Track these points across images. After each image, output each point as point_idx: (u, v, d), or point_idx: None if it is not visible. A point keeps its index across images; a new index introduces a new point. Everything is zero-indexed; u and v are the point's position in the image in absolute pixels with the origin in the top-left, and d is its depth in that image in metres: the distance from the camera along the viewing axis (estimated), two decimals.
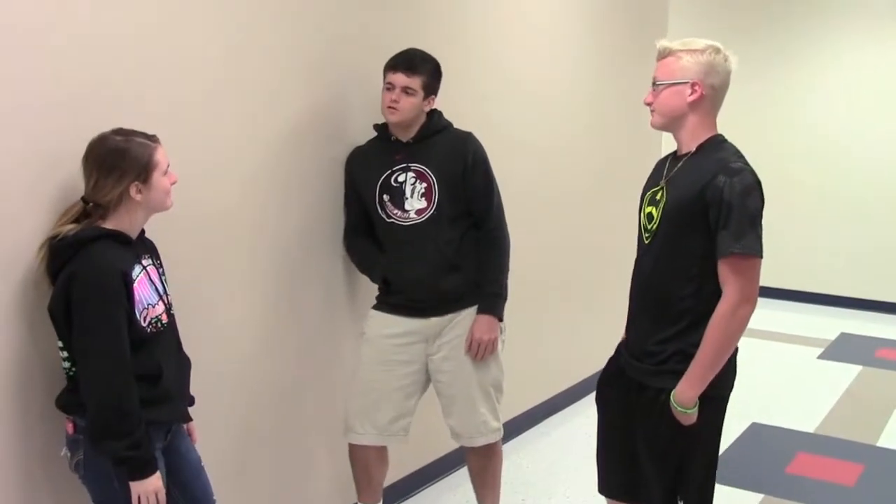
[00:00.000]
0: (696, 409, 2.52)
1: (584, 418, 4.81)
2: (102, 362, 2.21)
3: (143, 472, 2.26)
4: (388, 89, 3.17)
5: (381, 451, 3.40)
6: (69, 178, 2.36)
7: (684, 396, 2.51)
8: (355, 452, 3.37)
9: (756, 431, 4.99)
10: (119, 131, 2.31)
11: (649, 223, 2.64)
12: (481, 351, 3.27)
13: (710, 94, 2.57)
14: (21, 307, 2.31)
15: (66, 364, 2.30)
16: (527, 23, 4.51)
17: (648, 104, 2.65)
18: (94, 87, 2.46)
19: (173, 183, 2.39)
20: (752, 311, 2.50)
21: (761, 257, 2.47)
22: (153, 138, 2.35)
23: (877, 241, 7.94)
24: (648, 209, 2.65)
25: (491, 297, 3.29)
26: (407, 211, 3.22)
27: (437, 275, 3.23)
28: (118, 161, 2.26)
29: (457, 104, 3.45)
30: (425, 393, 3.42)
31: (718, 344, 2.49)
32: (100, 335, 2.21)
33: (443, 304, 3.27)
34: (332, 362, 3.48)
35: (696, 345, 2.51)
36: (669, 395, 2.54)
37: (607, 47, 5.29)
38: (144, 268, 2.36)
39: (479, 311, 3.28)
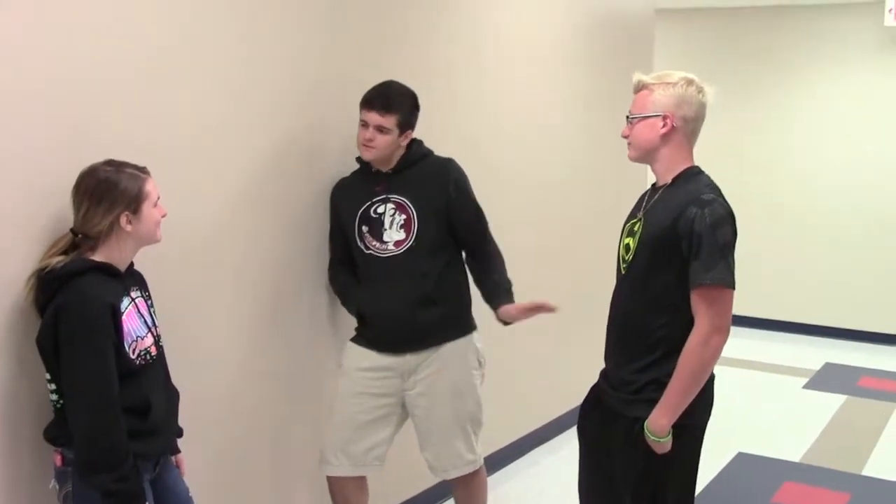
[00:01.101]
0: (670, 437, 2.53)
1: (570, 449, 4.77)
2: (90, 395, 2.22)
3: None
4: (363, 126, 3.17)
5: (360, 481, 3.38)
6: (60, 209, 2.38)
7: (657, 425, 2.53)
8: (333, 484, 3.36)
9: (742, 461, 5.00)
10: (109, 162, 2.34)
11: (626, 254, 2.67)
12: (532, 307, 3.26)
13: (682, 125, 2.61)
14: (10, 339, 2.32)
15: (54, 397, 2.30)
16: (513, 59, 4.57)
17: (625, 137, 2.70)
18: (84, 123, 2.49)
19: (163, 216, 2.41)
20: (724, 340, 2.52)
21: (733, 288, 2.50)
22: (143, 170, 2.37)
23: (860, 271, 7.99)
24: (626, 240, 2.69)
25: (502, 296, 3.33)
26: (385, 242, 3.23)
27: (413, 309, 3.22)
28: (108, 192, 2.28)
29: (441, 139, 3.47)
30: (406, 425, 3.42)
31: (691, 374, 2.51)
32: (87, 368, 2.21)
33: (418, 339, 3.27)
34: (316, 394, 3.48)
35: (671, 374, 2.53)
36: (644, 424, 2.56)
37: (593, 80, 5.35)
38: (133, 300, 2.37)
39: (503, 303, 3.30)
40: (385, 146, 3.17)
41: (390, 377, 3.29)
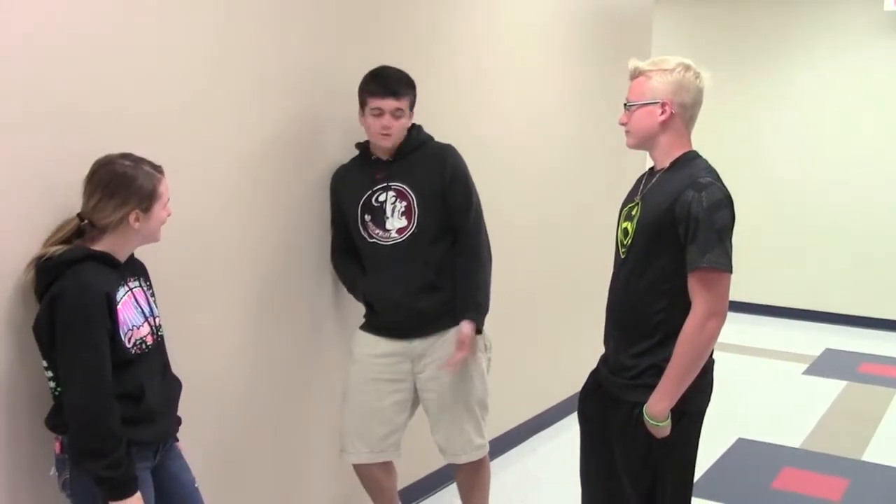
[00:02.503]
0: (669, 422, 2.54)
1: (571, 434, 4.78)
2: (82, 383, 2.22)
3: (123, 493, 2.26)
4: (377, 115, 3.15)
5: (387, 464, 3.43)
6: (63, 200, 2.38)
7: (656, 409, 2.53)
8: (361, 471, 3.42)
9: (742, 446, 5.01)
10: (127, 156, 2.33)
11: (625, 238, 2.67)
12: (466, 347, 3.20)
13: (681, 112, 2.60)
14: (9, 327, 2.33)
15: (52, 384, 2.31)
16: (508, 47, 4.56)
17: (623, 125, 2.69)
18: (82, 118, 2.49)
19: (168, 216, 2.41)
20: (720, 324, 2.51)
21: (730, 271, 2.50)
22: (159, 169, 2.37)
23: (860, 256, 8.00)
24: (624, 224, 2.69)
25: (467, 310, 3.25)
26: (388, 230, 3.23)
27: (417, 296, 3.23)
28: (124, 187, 2.28)
29: (436, 130, 3.46)
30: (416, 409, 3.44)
31: (688, 358, 2.51)
32: (80, 356, 2.22)
33: (423, 325, 3.28)
34: (320, 382, 3.49)
35: (670, 359, 2.53)
36: (643, 408, 2.57)
37: (590, 67, 5.34)
38: (130, 290, 2.37)
39: (460, 318, 3.23)
40: (401, 131, 3.19)
41: (401, 361, 3.31)
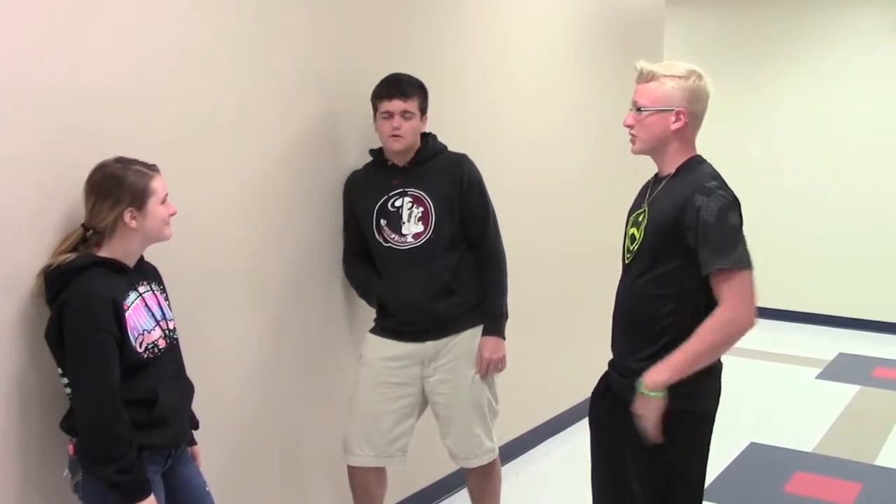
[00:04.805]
0: (661, 399, 2.48)
1: (582, 439, 4.78)
2: (90, 389, 2.24)
3: (136, 497, 2.27)
4: (387, 118, 3.20)
5: (380, 473, 3.42)
6: (73, 204, 2.41)
7: (654, 378, 2.48)
8: (355, 474, 3.39)
9: (754, 451, 5.00)
10: (119, 159, 2.36)
11: (631, 244, 2.67)
12: (493, 369, 3.34)
13: (692, 120, 2.59)
14: (22, 333, 2.36)
15: (68, 390, 2.33)
16: (521, 51, 4.57)
17: (629, 126, 2.66)
18: (95, 120, 2.51)
19: (172, 214, 2.42)
20: (749, 319, 2.46)
21: (751, 268, 2.47)
22: (152, 167, 2.38)
23: (874, 260, 7.97)
24: (631, 230, 2.69)
25: (494, 319, 3.36)
26: (404, 235, 3.26)
27: (433, 299, 3.26)
28: (114, 187, 2.31)
29: (448, 133, 3.47)
30: (424, 414, 3.45)
31: (706, 344, 2.46)
32: (87, 362, 2.24)
33: (438, 327, 3.31)
34: (332, 387, 3.50)
35: None
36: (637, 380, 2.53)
37: (601, 71, 5.35)
38: (141, 294, 2.39)
39: (485, 334, 3.34)
40: (411, 132, 3.22)
41: (411, 365, 3.33)
